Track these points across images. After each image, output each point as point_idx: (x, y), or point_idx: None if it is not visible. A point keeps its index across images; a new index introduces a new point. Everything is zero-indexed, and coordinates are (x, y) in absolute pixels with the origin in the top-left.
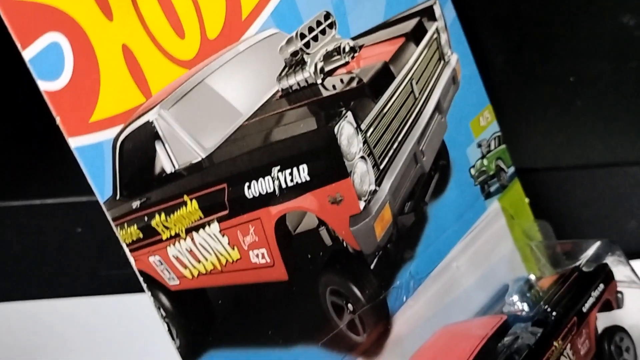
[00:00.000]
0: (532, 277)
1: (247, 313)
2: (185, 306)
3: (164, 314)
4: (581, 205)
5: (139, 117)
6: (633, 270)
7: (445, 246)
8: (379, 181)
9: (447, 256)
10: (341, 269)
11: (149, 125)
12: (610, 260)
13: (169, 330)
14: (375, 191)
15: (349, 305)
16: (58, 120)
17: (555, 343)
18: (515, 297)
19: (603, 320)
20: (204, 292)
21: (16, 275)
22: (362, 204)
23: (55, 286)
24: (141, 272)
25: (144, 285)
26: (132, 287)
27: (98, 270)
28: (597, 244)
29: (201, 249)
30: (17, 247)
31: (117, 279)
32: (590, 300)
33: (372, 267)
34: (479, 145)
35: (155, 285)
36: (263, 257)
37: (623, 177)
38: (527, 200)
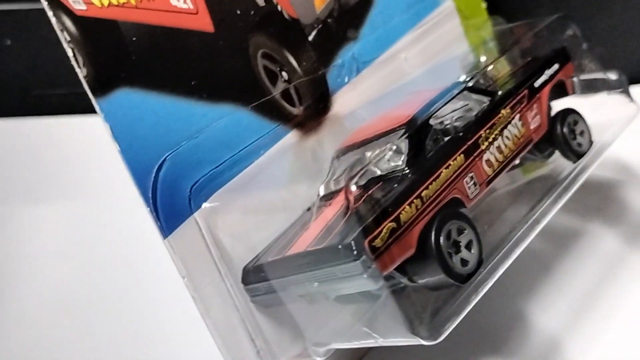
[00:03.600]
0: (483, 58)
1: (167, 57)
2: (93, 34)
3: (67, 38)
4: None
5: None
6: (589, 47)
7: (392, 34)
8: None
9: (394, 45)
10: (275, 33)
11: None
12: (566, 37)
13: (74, 56)
14: None
15: (284, 73)
16: None
17: (503, 111)
18: (464, 76)
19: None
20: (116, 24)
21: None
22: None
23: None
24: None
25: (45, 4)
26: (68, 108)
27: (31, 89)
28: (552, 17)
29: None
30: None
31: (53, 100)
32: (543, 78)
33: (310, 38)
34: None
35: (58, 6)
36: (185, 1)
37: None
38: (484, 4)
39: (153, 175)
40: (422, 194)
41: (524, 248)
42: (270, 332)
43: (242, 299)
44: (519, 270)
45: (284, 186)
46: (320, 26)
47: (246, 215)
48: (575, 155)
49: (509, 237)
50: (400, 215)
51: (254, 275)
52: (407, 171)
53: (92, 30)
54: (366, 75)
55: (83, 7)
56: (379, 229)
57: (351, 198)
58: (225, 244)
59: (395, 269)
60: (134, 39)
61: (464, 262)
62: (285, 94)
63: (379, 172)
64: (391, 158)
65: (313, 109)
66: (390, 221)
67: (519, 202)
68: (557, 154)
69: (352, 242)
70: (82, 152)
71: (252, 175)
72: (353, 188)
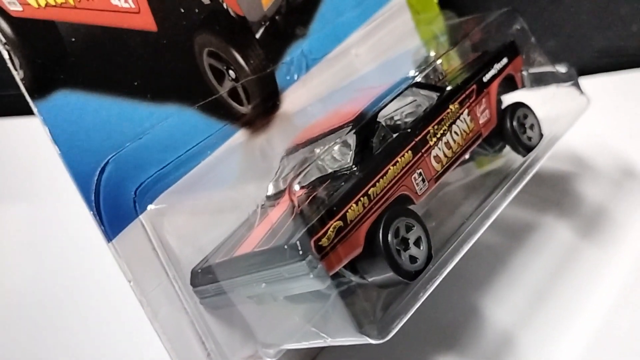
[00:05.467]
0: (432, 53)
1: (108, 58)
2: (30, 35)
3: (3, 40)
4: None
5: None
6: (537, 41)
7: (342, 31)
8: None
9: (344, 41)
10: (221, 31)
11: None
12: (514, 30)
13: (10, 58)
14: None
15: (231, 71)
16: None
17: (451, 106)
18: (413, 72)
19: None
20: (53, 25)
21: None
22: None
23: None
24: None
25: None
26: (12, 109)
27: None
28: (500, 11)
29: None
30: None
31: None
32: (492, 72)
33: (257, 36)
34: None
35: None
36: (126, 0)
37: None
38: None
39: (95, 178)
40: (369, 192)
41: (474, 242)
42: (221, 334)
43: (191, 302)
44: (472, 265)
45: (232, 186)
46: (267, 23)
47: (194, 216)
48: (525, 148)
49: (459, 232)
50: (347, 213)
51: (203, 277)
52: (354, 169)
53: (28, 31)
54: (316, 72)
55: (19, 7)
56: (325, 228)
57: (294, 198)
58: (172, 246)
59: (347, 267)
60: (72, 39)
61: (413, 259)
62: (233, 93)
63: (329, 170)
64: (339, 155)
65: (262, 107)
66: (337, 220)
67: (472, 196)
68: (507, 148)
69: (298, 242)
70: (26, 154)
71: (200, 176)
72: (296, 188)
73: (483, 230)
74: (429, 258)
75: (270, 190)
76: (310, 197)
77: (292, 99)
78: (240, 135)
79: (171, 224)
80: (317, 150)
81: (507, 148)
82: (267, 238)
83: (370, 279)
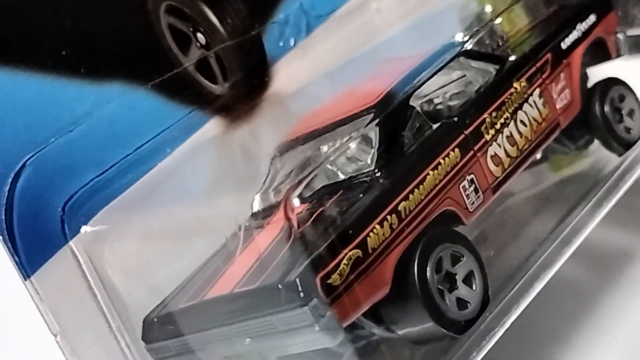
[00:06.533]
0: (488, 8)
1: (22, 19)
2: None
3: None
4: None
5: None
6: None
7: None
8: None
9: None
10: None
11: None
12: None
13: None
14: None
15: (199, 35)
16: None
17: (515, 85)
18: (460, 35)
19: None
20: None
21: None
22: None
23: None
24: None
25: None
26: None
27: None
28: None
29: None
30: None
31: None
32: (574, 35)
33: None
34: None
35: None
36: None
37: None
38: None
39: (7, 188)
40: (399, 208)
41: (549, 278)
42: None
43: None
44: (546, 311)
45: (201, 199)
46: None
47: (147, 242)
48: (622, 144)
49: (528, 264)
50: (368, 238)
51: (161, 329)
52: (378, 174)
53: None
54: (321, 36)
55: None
56: (337, 259)
57: (293, 217)
58: (116, 284)
59: (365, 315)
60: None
61: (462, 302)
62: (203, 66)
63: (341, 176)
64: (356, 155)
65: (243, 85)
66: (353, 248)
67: (546, 213)
68: (596, 143)
69: (298, 280)
70: None
71: (155, 185)
72: (296, 202)
73: (562, 262)
74: (484, 302)
75: (257, 206)
76: (316, 215)
77: (288, 74)
78: (213, 126)
79: (115, 252)
80: (324, 149)
81: (596, 143)
82: (252, 274)
83: (400, 332)
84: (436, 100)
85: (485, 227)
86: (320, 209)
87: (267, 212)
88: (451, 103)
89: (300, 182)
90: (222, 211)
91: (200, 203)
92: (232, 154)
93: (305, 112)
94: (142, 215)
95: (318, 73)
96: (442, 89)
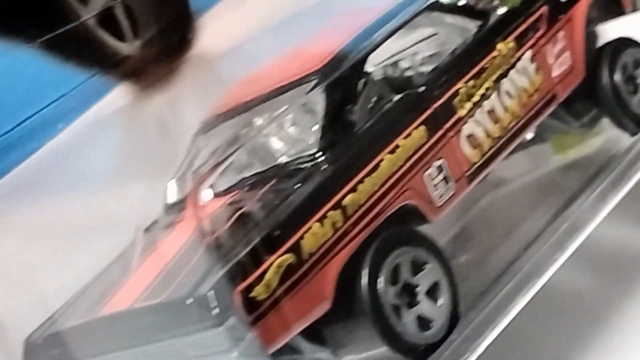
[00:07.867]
0: None
1: None
2: None
3: None
4: None
5: None
6: None
7: None
8: None
9: None
10: None
11: None
12: None
13: None
14: None
15: None
16: None
17: (500, 46)
18: None
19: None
20: None
21: None
22: None
23: None
24: None
25: None
26: None
27: None
28: None
29: None
30: None
31: None
32: None
33: None
34: None
35: None
36: None
37: None
38: None
39: None
40: (345, 202)
41: (543, 284)
42: None
43: None
44: (541, 324)
45: (103, 187)
46: None
47: (31, 241)
48: (636, 122)
49: (516, 267)
50: (303, 241)
51: (45, 352)
52: (320, 158)
53: None
54: None
55: None
56: (262, 268)
57: (201, 214)
58: None
59: (304, 335)
60: None
61: (424, 322)
62: (106, 18)
63: (277, 159)
64: (294, 133)
65: (160, 43)
66: (283, 253)
67: (544, 205)
68: (605, 120)
69: (211, 293)
70: None
71: (44, 169)
72: (209, 194)
73: (559, 265)
74: (452, 321)
75: (172, 197)
76: (237, 212)
77: (216, 29)
78: (119, 94)
79: None
80: (259, 122)
81: (605, 120)
82: (158, 285)
83: (347, 357)
84: (401, 65)
85: (467, 223)
86: (243, 204)
87: (184, 204)
88: (423, 69)
89: (218, 165)
90: (129, 203)
91: (101, 192)
92: (144, 130)
93: (240, 77)
94: (26, 207)
95: (256, 28)
96: (408, 51)
